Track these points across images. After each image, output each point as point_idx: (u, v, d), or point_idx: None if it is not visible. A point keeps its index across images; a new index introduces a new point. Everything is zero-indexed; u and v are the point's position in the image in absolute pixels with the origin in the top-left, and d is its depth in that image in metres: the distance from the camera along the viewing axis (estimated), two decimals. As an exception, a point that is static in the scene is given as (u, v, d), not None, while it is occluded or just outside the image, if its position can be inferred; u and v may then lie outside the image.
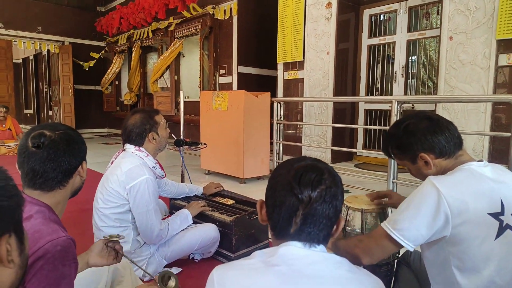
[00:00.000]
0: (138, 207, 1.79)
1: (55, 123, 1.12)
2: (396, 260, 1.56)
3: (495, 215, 1.04)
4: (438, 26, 4.12)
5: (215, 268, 0.79)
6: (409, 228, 1.06)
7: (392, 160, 3.25)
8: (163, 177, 2.05)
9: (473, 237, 1.03)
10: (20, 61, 13.00)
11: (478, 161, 1.15)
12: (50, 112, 10.90)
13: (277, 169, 0.85)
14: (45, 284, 0.86)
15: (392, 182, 3.28)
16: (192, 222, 2.12)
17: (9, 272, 0.63)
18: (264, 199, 0.86)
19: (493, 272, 1.03)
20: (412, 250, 1.10)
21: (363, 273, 0.80)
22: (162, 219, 1.96)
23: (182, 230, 2.06)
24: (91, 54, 10.12)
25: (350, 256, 1.17)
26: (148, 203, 1.79)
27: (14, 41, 9.39)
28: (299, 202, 0.77)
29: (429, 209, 1.05)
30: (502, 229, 1.04)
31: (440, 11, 4.09)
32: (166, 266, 2.03)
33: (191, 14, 6.98)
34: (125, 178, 1.78)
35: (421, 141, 1.18)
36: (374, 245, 1.12)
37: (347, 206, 1.61)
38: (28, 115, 12.86)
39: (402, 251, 1.57)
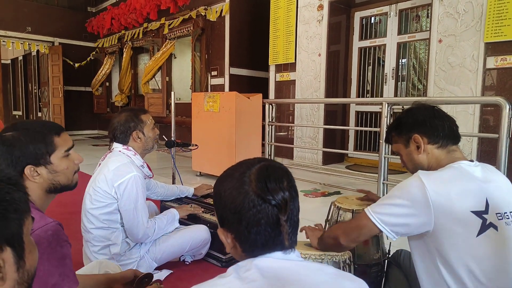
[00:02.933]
0: (126, 204, 1.78)
1: None
2: (386, 261, 1.58)
3: (478, 213, 1.06)
4: (428, 28, 4.17)
5: None
6: (388, 214, 1.10)
7: (383, 162, 3.28)
8: (150, 177, 2.04)
9: (455, 233, 1.05)
10: (9, 61, 12.81)
11: (469, 161, 1.17)
12: (39, 114, 10.75)
13: (226, 191, 0.76)
14: (50, 267, 0.92)
15: (383, 183, 3.31)
16: (178, 222, 2.10)
17: None
18: (223, 228, 0.79)
19: (476, 269, 1.05)
20: (393, 239, 1.14)
21: (346, 277, 0.77)
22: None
23: (172, 232, 2.05)
24: (88, 58, 10.03)
25: (331, 239, 1.24)
26: (136, 200, 1.78)
27: (3, 41, 9.24)
28: (277, 210, 0.72)
29: (411, 201, 1.08)
30: (484, 227, 1.06)
31: (429, 14, 4.14)
32: (156, 268, 2.01)
33: (183, 17, 6.97)
34: (113, 176, 1.77)
35: (419, 122, 1.24)
36: (354, 226, 1.19)
37: (338, 206, 1.62)
38: (17, 116, 12.67)
39: (392, 251, 1.59)
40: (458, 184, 1.09)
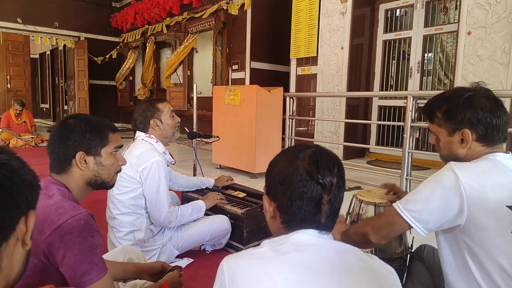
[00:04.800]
0: (149, 188, 1.85)
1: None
2: (409, 255, 1.55)
3: None
4: (456, 21, 4.03)
5: (225, 258, 0.77)
6: (421, 211, 1.05)
7: (407, 157, 3.21)
8: (173, 164, 2.09)
9: (488, 228, 1.01)
10: (37, 56, 13.23)
11: (505, 152, 1.11)
12: (65, 107, 11.09)
13: (279, 163, 0.82)
14: (80, 256, 0.97)
15: (406, 179, 3.24)
16: (204, 214, 2.13)
17: (23, 255, 0.63)
18: (268, 196, 0.84)
19: (507, 265, 1.01)
20: (424, 235, 1.08)
21: (376, 261, 0.78)
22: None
23: (194, 221, 2.08)
24: (108, 55, 10.28)
25: (359, 236, 1.19)
26: (159, 184, 1.85)
27: (32, 36, 9.56)
28: (322, 189, 0.76)
29: (445, 195, 1.03)
30: None
31: (458, 6, 3.99)
32: (177, 257, 2.05)
33: (204, 12, 7.00)
34: (137, 161, 1.84)
35: (476, 117, 1.09)
36: (384, 223, 1.13)
37: (360, 199, 1.60)
38: (44, 109, 13.11)
39: (415, 246, 1.56)
40: (492, 177, 1.04)
